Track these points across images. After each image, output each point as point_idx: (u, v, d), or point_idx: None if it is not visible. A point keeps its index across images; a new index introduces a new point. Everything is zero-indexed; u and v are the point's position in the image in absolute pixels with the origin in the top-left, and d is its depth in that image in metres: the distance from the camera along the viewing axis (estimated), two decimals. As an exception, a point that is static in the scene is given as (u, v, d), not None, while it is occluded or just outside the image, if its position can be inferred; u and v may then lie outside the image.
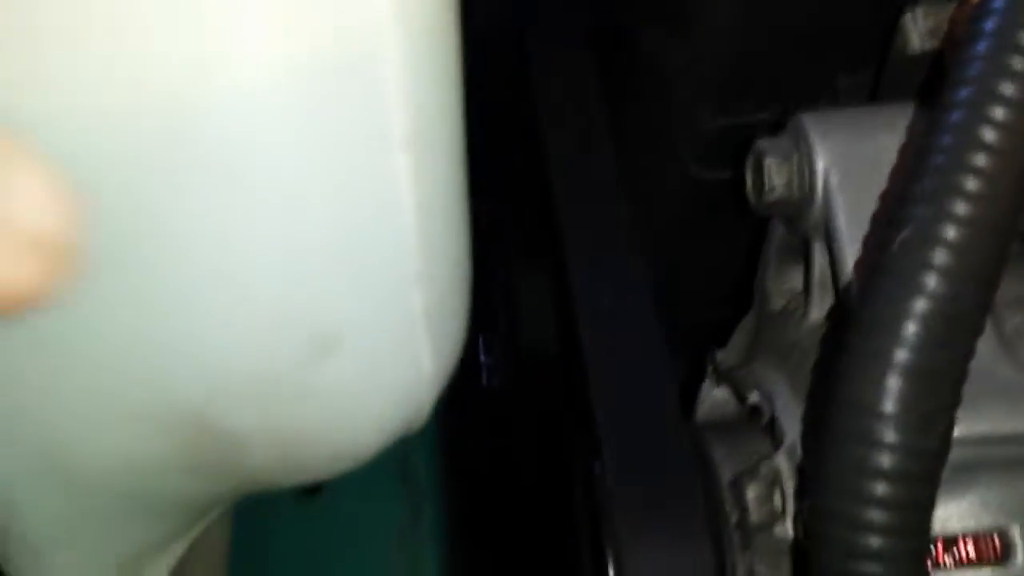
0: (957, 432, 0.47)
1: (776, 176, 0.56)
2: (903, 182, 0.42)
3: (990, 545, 0.49)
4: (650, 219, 0.84)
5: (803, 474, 0.52)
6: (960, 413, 0.47)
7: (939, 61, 0.57)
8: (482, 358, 1.42)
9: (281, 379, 0.31)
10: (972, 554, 0.49)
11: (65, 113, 0.22)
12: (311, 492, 0.74)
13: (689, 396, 0.71)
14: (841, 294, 0.53)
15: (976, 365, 0.49)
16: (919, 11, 0.57)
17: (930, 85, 0.58)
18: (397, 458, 0.72)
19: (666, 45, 0.75)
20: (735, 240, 0.79)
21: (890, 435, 0.40)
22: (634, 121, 0.83)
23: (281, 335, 0.29)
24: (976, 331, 0.41)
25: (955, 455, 0.48)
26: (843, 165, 0.54)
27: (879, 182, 0.54)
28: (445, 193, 0.29)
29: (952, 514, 0.48)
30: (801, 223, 0.57)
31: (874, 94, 0.66)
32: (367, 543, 0.76)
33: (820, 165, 0.55)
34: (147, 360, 0.28)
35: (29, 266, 0.19)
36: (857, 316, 0.42)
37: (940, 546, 0.49)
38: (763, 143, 0.57)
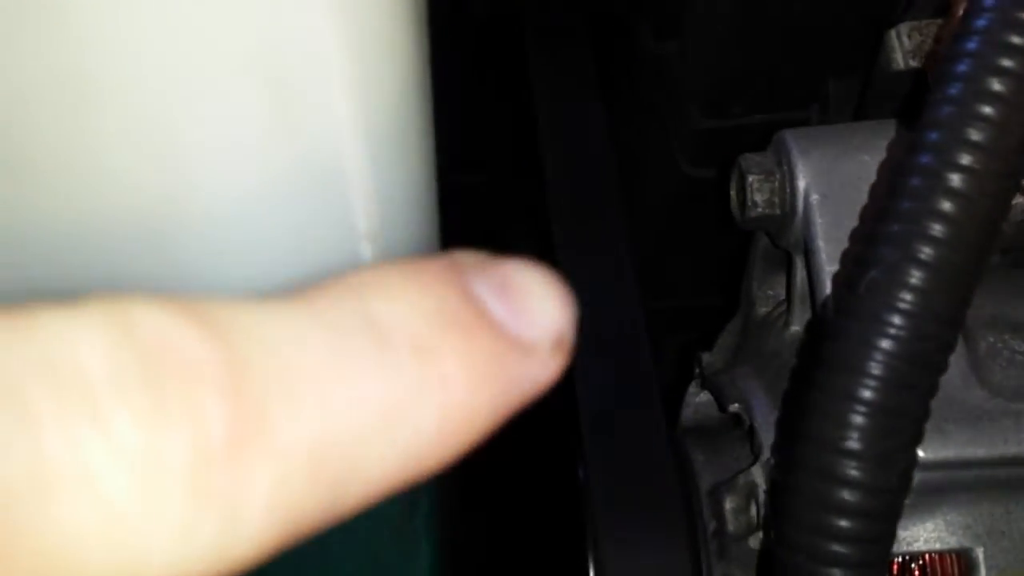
0: (925, 456, 0.49)
1: (758, 193, 0.57)
2: (872, 221, 0.43)
3: (953, 565, 0.50)
4: (642, 211, 0.85)
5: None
6: (928, 437, 0.49)
7: (923, 80, 0.58)
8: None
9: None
10: (937, 573, 0.51)
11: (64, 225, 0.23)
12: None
13: (674, 390, 0.72)
14: (818, 311, 0.55)
15: (946, 389, 0.50)
16: (903, 28, 0.58)
17: (912, 104, 0.59)
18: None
19: (661, 43, 0.75)
20: (724, 234, 0.80)
21: (853, 472, 0.42)
22: (629, 115, 0.84)
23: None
24: (939, 370, 0.42)
25: (922, 478, 0.49)
26: (823, 184, 0.55)
27: (859, 202, 0.54)
28: (404, 145, 0.29)
29: (918, 535, 0.50)
30: (783, 238, 0.58)
31: (860, 106, 0.66)
32: (360, 537, 0.77)
33: (801, 184, 0.56)
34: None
35: (557, 361, 0.22)
36: (826, 354, 0.43)
37: (897, 567, 0.51)
38: (746, 159, 0.58)
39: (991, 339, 0.55)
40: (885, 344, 0.41)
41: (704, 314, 0.79)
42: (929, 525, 0.50)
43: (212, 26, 0.21)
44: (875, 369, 0.41)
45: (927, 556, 0.50)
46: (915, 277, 0.41)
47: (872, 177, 0.55)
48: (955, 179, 0.41)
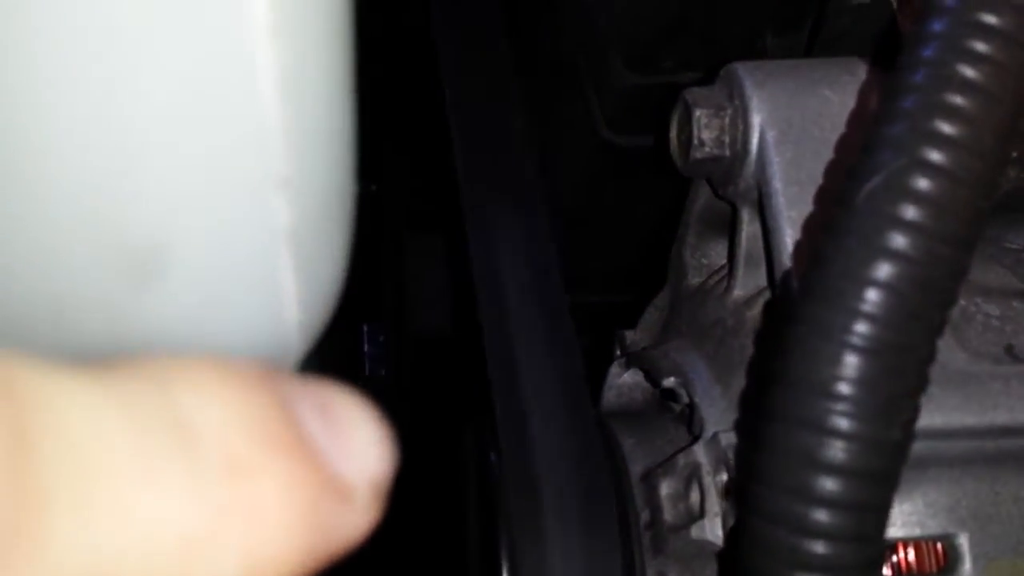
0: (906, 423, 0.41)
1: (706, 130, 0.49)
2: (868, 127, 0.36)
3: (933, 553, 0.43)
4: (554, 188, 0.77)
5: (731, 467, 0.45)
6: (910, 402, 0.41)
7: (889, 12, 0.51)
8: (365, 348, 1.35)
9: (92, 308, 0.23)
10: (913, 562, 0.43)
11: None
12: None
13: (594, 383, 0.64)
14: (778, 265, 0.47)
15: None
16: (867, -44, 0.51)
17: (883, 39, 0.52)
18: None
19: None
20: (647, 214, 0.73)
21: (845, 422, 0.34)
22: (541, 75, 0.76)
23: (81, 250, 0.22)
24: (950, 302, 0.35)
25: (902, 450, 0.42)
26: (781, 120, 0.48)
27: (822, 140, 0.47)
28: (322, 91, 0.22)
29: (895, 518, 0.42)
30: (730, 186, 0.50)
31: (808, 53, 0.60)
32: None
33: (756, 119, 0.48)
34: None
35: (372, 511, 0.18)
36: (809, 282, 0.35)
37: (882, 554, 0.43)
38: (693, 93, 0.50)
39: (963, 302, 0.48)
40: (887, 266, 0.34)
41: (620, 312, 0.71)
42: (907, 507, 0.43)
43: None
44: (875, 296, 0.34)
45: (903, 544, 0.43)
46: (923, 184, 0.34)
47: (836, 114, 0.48)
48: (969, 70, 0.34)
